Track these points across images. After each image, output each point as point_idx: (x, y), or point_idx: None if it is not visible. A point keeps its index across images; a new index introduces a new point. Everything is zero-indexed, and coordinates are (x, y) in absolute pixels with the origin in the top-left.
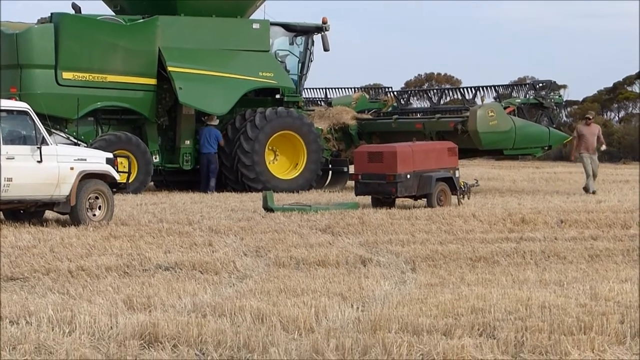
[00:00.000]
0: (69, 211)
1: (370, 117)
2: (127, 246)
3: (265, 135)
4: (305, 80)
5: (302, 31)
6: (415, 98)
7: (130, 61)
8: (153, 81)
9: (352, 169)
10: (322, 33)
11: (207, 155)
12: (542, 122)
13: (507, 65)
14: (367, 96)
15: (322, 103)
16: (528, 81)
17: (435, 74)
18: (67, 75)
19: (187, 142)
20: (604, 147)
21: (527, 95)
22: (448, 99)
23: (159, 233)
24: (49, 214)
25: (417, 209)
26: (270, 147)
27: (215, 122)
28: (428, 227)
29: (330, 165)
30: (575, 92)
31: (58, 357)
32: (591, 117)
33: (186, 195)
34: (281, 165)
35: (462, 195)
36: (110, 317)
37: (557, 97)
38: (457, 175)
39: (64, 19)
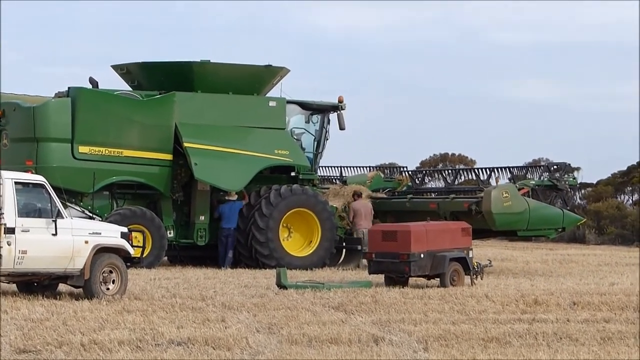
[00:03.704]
0: (82, 284)
1: (384, 196)
2: (140, 320)
3: (280, 212)
4: (320, 158)
5: (318, 109)
6: (429, 178)
7: (147, 136)
8: (169, 156)
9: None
10: (338, 112)
11: (227, 230)
12: (556, 204)
13: (522, 147)
14: (382, 175)
15: (337, 181)
16: (543, 163)
17: (450, 154)
18: (83, 149)
19: (202, 217)
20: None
21: (542, 177)
22: (462, 179)
23: (172, 308)
24: (62, 287)
25: (430, 289)
26: (284, 224)
27: (234, 197)
28: (441, 306)
29: (344, 243)
30: (590, 174)
31: None
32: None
33: (200, 271)
34: (295, 242)
35: (475, 276)
36: None
37: (571, 179)
38: (470, 255)
39: (81, 93)
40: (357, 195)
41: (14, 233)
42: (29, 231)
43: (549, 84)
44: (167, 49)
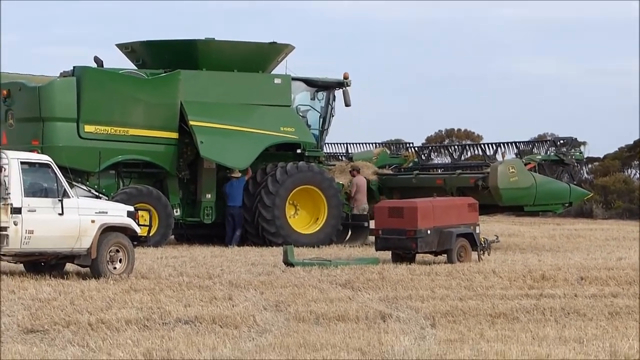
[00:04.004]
0: (89, 264)
1: (391, 172)
2: (147, 299)
3: (286, 189)
4: (326, 135)
5: (323, 86)
6: (436, 154)
7: (152, 115)
8: (174, 135)
9: (372, 224)
10: (344, 88)
11: (233, 209)
12: (563, 178)
13: (528, 122)
14: (388, 151)
15: (343, 158)
16: (549, 138)
17: (456, 129)
18: (89, 128)
19: (208, 195)
20: None
21: (548, 152)
22: (469, 154)
23: (179, 287)
24: (69, 266)
25: (437, 265)
26: (291, 202)
27: (238, 174)
28: (448, 283)
29: (350, 220)
30: (596, 148)
31: None
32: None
33: (207, 249)
34: (302, 219)
35: (482, 252)
36: None
37: (578, 153)
38: (477, 231)
39: (86, 72)
40: (355, 170)
41: (20, 213)
42: (35, 211)
43: (553, 60)
44: (172, 29)
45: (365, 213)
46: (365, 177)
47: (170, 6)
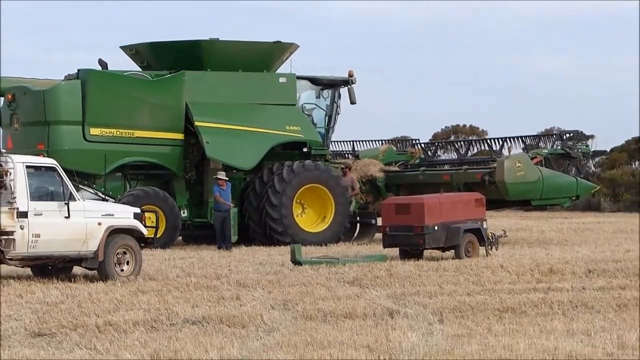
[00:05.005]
0: (96, 266)
1: (397, 169)
2: (154, 301)
3: (293, 188)
4: (332, 133)
5: (328, 84)
6: (442, 150)
7: (157, 116)
8: (180, 136)
9: (380, 221)
10: (349, 86)
11: (226, 212)
12: (570, 172)
13: (535, 116)
14: (395, 148)
15: (350, 156)
16: (555, 132)
17: (461, 125)
18: (94, 131)
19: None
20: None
21: (555, 146)
22: (475, 150)
23: (186, 287)
24: (77, 269)
25: (445, 261)
26: (298, 201)
27: (226, 179)
28: (456, 278)
29: (358, 218)
30: (603, 142)
31: None
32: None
33: (214, 249)
34: (309, 218)
35: (490, 246)
36: None
37: (584, 147)
38: (485, 226)
39: (91, 75)
40: (347, 168)
41: (26, 217)
42: (41, 214)
43: (559, 55)
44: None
45: (373, 210)
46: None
47: (174, 7)
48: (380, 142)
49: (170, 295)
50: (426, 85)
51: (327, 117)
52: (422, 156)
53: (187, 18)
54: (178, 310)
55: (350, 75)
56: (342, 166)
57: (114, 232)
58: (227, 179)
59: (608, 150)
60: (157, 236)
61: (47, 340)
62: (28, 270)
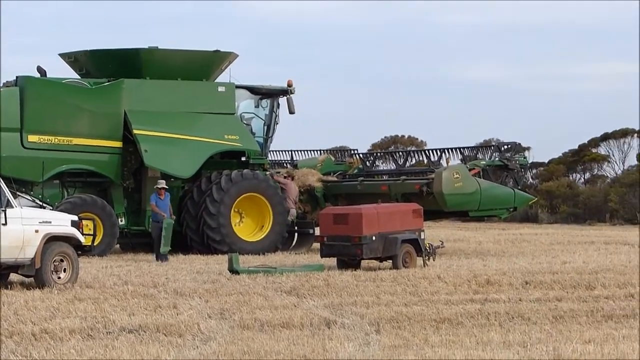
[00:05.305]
0: (33, 274)
1: (335, 179)
2: (91, 309)
3: (231, 197)
4: (271, 142)
5: (267, 94)
6: (380, 160)
7: (96, 124)
8: (119, 144)
9: (317, 231)
10: (288, 96)
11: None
12: (508, 183)
13: (472, 127)
14: (333, 158)
15: (288, 165)
16: (493, 143)
17: (400, 135)
18: (32, 138)
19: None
20: None
21: (493, 157)
22: (413, 161)
23: (123, 295)
24: (13, 276)
25: (382, 271)
26: (236, 210)
27: (165, 187)
28: (393, 288)
29: (296, 227)
30: (541, 154)
31: None
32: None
33: (151, 258)
34: (247, 227)
35: (427, 257)
36: None
37: (522, 158)
38: (422, 236)
39: (30, 82)
40: (290, 177)
41: None
42: None
43: (497, 66)
44: (115, 38)
45: (293, 219)
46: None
47: (112, 14)
48: (318, 152)
49: (107, 304)
50: (365, 94)
51: (265, 127)
52: (361, 166)
53: (126, 25)
54: (115, 318)
55: (289, 85)
56: (285, 175)
57: (51, 240)
58: (167, 187)
59: (546, 162)
60: (95, 244)
61: None
62: None
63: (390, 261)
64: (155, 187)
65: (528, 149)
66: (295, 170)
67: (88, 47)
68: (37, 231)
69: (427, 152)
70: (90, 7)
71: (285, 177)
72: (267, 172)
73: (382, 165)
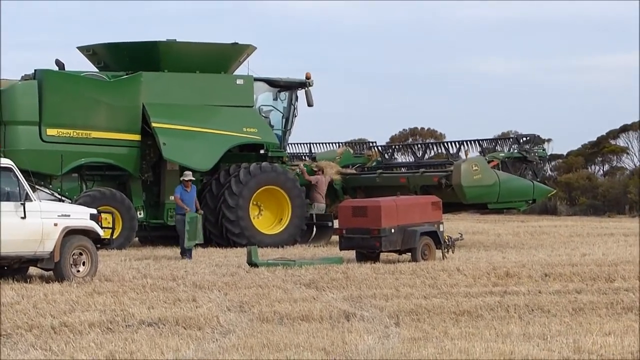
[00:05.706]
0: (52, 267)
1: (354, 171)
2: (110, 302)
3: (250, 190)
4: (289, 135)
5: (285, 86)
6: (399, 153)
7: (114, 117)
8: (137, 137)
9: (336, 224)
10: (306, 88)
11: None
12: (526, 175)
13: (491, 120)
14: (352, 151)
15: (307, 158)
16: (512, 135)
17: (419, 128)
18: (51, 131)
19: (172, 197)
20: None
21: (511, 149)
22: (432, 153)
23: (142, 289)
24: (32, 270)
25: (401, 264)
26: (254, 202)
27: (192, 178)
28: (412, 281)
29: (314, 220)
30: (560, 146)
31: None
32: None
33: (170, 251)
34: (266, 220)
35: (446, 250)
36: None
37: (541, 150)
38: (441, 229)
39: (48, 75)
40: (320, 170)
41: None
42: None
43: (516, 59)
44: (133, 32)
45: (324, 212)
46: (329, 177)
47: (132, 7)
48: (337, 144)
49: (126, 297)
50: (385, 88)
51: (284, 119)
52: (379, 159)
53: (145, 18)
54: (134, 311)
55: (308, 77)
56: (315, 169)
57: (70, 233)
58: (193, 179)
59: (564, 154)
60: (113, 237)
61: (2, 341)
62: None
63: (409, 254)
64: (181, 178)
65: (549, 140)
66: (313, 163)
67: (106, 40)
68: (56, 224)
69: (445, 144)
70: (108, 2)
71: (315, 172)
72: (298, 170)
73: (400, 158)
